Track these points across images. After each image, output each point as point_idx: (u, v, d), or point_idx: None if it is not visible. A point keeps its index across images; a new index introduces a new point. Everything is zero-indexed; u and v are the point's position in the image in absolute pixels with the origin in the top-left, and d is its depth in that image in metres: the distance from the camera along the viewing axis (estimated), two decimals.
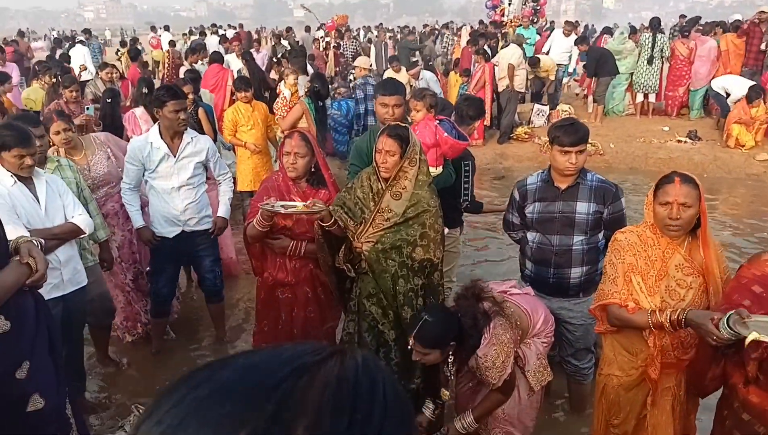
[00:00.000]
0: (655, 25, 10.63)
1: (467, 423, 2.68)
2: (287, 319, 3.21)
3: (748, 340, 1.95)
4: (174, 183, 3.73)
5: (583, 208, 2.93)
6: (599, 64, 10.15)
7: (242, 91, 6.07)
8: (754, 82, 9.28)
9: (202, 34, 17.70)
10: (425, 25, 22.24)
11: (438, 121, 3.95)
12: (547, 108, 11.03)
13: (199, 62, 10.29)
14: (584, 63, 11.25)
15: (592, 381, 3.15)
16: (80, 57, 12.33)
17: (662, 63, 10.48)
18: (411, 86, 9.50)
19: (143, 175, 3.77)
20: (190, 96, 6.10)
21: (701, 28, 12.24)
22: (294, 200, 3.06)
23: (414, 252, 2.84)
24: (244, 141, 5.97)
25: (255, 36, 18.96)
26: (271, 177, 3.25)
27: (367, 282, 2.93)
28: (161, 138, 3.68)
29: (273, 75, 10.65)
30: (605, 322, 2.52)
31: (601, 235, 3.01)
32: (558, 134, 2.87)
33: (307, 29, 17.96)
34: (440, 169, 4.01)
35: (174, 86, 3.88)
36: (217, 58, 8.97)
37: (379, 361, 0.60)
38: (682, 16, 13.13)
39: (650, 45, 10.33)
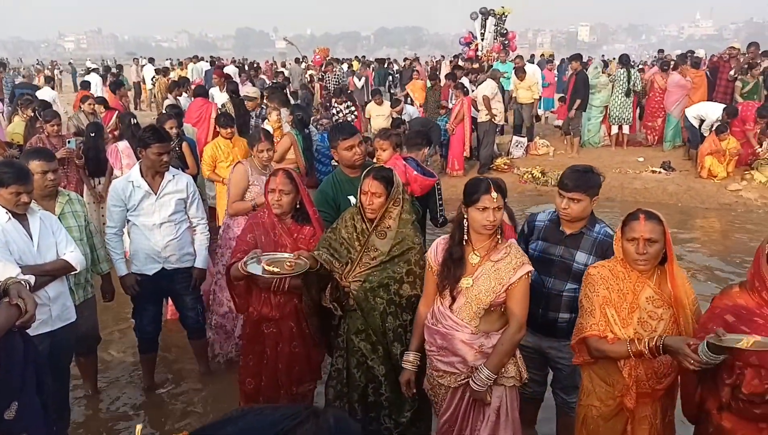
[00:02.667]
0: (624, 60, 11.10)
1: (484, 377, 2.59)
2: (272, 355, 3.23)
3: (748, 344, 2.07)
4: (155, 220, 3.79)
5: (582, 258, 2.91)
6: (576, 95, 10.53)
7: (225, 127, 6.08)
8: (725, 105, 9.68)
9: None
10: (405, 58, 22.67)
11: (404, 160, 4.07)
12: (525, 139, 11.30)
13: (183, 95, 10.40)
14: (560, 96, 11.62)
15: None
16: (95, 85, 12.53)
17: (634, 96, 10.88)
18: (393, 118, 9.70)
19: (126, 216, 3.82)
20: (174, 130, 6.17)
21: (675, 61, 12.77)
22: (280, 237, 3.12)
23: (401, 289, 2.91)
24: (222, 177, 5.87)
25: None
26: (257, 213, 3.31)
27: (356, 319, 2.97)
28: (142, 177, 3.75)
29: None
30: (584, 353, 2.60)
31: None
32: (563, 174, 2.90)
33: (298, 61, 18.17)
34: None
35: (160, 128, 3.93)
36: (201, 92, 9.07)
37: (351, 420, 0.70)
38: (660, 51, 13.63)
39: (625, 78, 10.73)
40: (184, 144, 6.21)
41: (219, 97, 10.24)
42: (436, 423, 2.93)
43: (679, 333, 2.46)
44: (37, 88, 12.44)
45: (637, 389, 2.46)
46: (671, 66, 11.77)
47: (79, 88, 12.05)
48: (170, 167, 3.89)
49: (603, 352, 2.49)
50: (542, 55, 19.47)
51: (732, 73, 10.17)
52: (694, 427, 2.58)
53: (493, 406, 2.66)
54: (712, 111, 9.77)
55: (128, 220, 3.84)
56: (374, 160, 4.28)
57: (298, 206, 3.20)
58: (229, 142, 6.04)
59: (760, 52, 11.11)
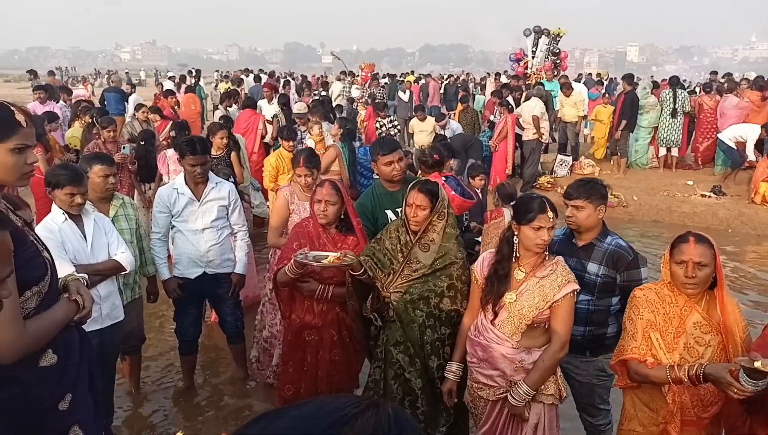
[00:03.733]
0: (674, 82, 10.89)
1: (523, 392, 2.58)
2: (312, 362, 3.27)
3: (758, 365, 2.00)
4: (198, 225, 3.91)
5: (593, 269, 2.93)
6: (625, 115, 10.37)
7: (288, 139, 6.32)
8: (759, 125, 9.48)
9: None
10: (449, 75, 22.72)
11: (444, 178, 4.07)
12: (570, 158, 11.16)
13: (234, 106, 10.69)
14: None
15: None
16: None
17: (683, 117, 10.64)
18: (436, 134, 9.74)
19: (170, 222, 3.96)
20: (224, 140, 6.34)
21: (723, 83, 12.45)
22: (325, 247, 3.18)
23: (441, 303, 2.92)
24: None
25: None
26: (302, 223, 3.38)
27: (395, 330, 2.99)
28: (186, 184, 3.90)
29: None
30: (625, 377, 2.56)
31: (614, 300, 2.97)
32: (569, 186, 3.02)
33: (339, 78, 18.38)
34: None
35: (197, 141, 3.95)
36: (249, 104, 9.32)
37: (408, 415, 0.74)
38: (713, 73, 13.31)
39: (671, 99, 10.53)
40: (233, 154, 6.38)
41: (267, 109, 10.49)
42: None
43: (726, 361, 2.39)
44: (124, 92, 13.17)
45: (681, 416, 2.40)
46: (714, 88, 11.50)
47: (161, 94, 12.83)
48: (212, 175, 4.02)
49: (643, 375, 2.45)
50: (590, 74, 19.25)
51: None
52: None
53: (530, 422, 2.64)
54: (750, 131, 9.55)
55: (173, 226, 3.97)
56: (417, 175, 4.31)
57: (342, 217, 3.26)
58: (291, 155, 6.04)
59: None
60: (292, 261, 2.97)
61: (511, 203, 4.00)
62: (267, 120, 10.02)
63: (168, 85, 15.43)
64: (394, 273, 2.96)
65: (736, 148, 9.77)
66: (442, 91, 18.21)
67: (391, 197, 3.65)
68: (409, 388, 3.00)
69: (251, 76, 19.44)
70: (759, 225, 8.74)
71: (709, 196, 9.57)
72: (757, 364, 2.00)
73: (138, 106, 8.88)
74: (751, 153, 9.58)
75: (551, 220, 2.56)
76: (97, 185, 3.57)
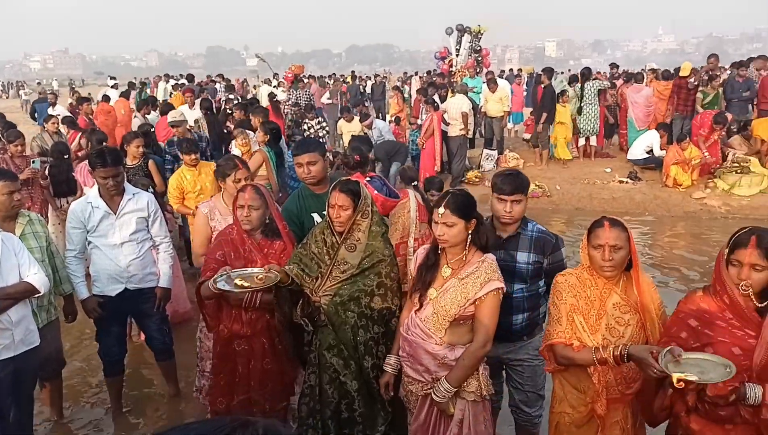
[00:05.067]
0: (584, 74, 11.39)
1: (444, 389, 2.60)
2: (244, 372, 3.18)
3: (673, 380, 2.11)
4: (116, 239, 3.73)
5: (523, 257, 2.97)
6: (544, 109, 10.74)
7: (188, 153, 5.56)
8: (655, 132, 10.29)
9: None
10: (376, 75, 22.82)
11: (368, 179, 4.06)
12: (495, 153, 11.46)
13: (152, 113, 10.31)
14: (531, 109, 11.84)
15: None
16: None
17: (599, 108, 11.14)
18: (353, 136, 9.75)
19: (86, 238, 3.74)
20: (140, 149, 6.08)
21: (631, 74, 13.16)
22: (250, 254, 3.09)
23: (372, 302, 2.90)
24: (191, 208, 5.33)
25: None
26: (225, 230, 3.28)
27: (327, 334, 2.95)
28: (100, 197, 3.70)
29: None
30: (553, 361, 2.63)
31: (542, 283, 3.05)
32: (497, 182, 2.98)
33: (267, 81, 18.10)
34: None
35: (108, 152, 3.73)
36: (168, 110, 9.00)
37: (282, 427, 0.71)
38: (612, 65, 14.02)
39: (579, 94, 11.02)
40: (151, 162, 6.14)
41: (189, 114, 10.17)
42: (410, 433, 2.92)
43: (645, 338, 2.50)
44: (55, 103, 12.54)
45: (607, 395, 2.49)
46: (634, 79, 12.15)
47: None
48: (129, 186, 3.85)
49: (569, 359, 2.52)
50: (511, 70, 19.82)
51: (692, 80, 10.49)
52: (665, 430, 2.61)
53: (455, 418, 2.67)
54: (651, 138, 10.32)
55: (89, 242, 3.77)
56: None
57: (267, 221, 3.18)
58: (195, 170, 5.60)
59: (719, 64, 11.49)
60: (210, 285, 2.85)
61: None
62: (189, 126, 9.73)
63: (112, 93, 14.50)
64: (322, 276, 2.91)
65: (649, 156, 10.33)
66: (369, 91, 18.29)
67: (317, 200, 3.58)
68: (345, 391, 2.97)
69: (171, 81, 18.86)
70: (672, 207, 9.27)
71: (626, 182, 10.07)
72: (676, 376, 2.11)
73: (47, 118, 8.41)
74: (660, 152, 10.15)
75: (442, 216, 2.58)
76: (2, 203, 3.34)
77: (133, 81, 18.44)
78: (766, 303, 2.26)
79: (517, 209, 2.93)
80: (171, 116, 7.35)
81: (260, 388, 3.18)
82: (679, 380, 2.12)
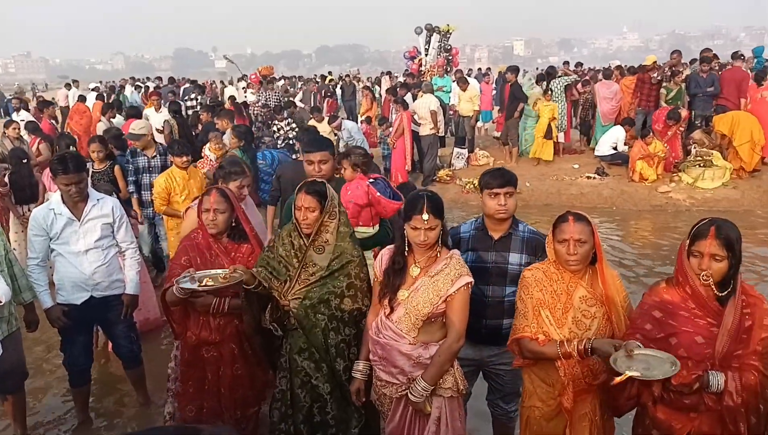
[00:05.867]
0: (550, 72, 11.58)
1: (421, 388, 2.59)
2: (213, 379, 3.13)
3: (618, 379, 2.19)
4: (81, 246, 3.64)
5: (515, 259, 2.94)
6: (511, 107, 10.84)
7: (180, 155, 5.37)
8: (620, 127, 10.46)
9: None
10: (347, 75, 22.76)
11: (372, 181, 4.03)
12: (466, 151, 11.53)
13: (117, 116, 10.11)
14: (500, 108, 11.95)
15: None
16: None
17: (566, 104, 11.29)
18: (335, 135, 9.70)
19: (49, 245, 3.64)
20: (98, 154, 5.93)
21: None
22: (217, 258, 3.04)
23: (342, 303, 2.87)
24: (179, 211, 5.16)
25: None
26: (191, 235, 3.22)
27: (298, 337, 2.92)
28: (63, 203, 3.60)
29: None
30: (521, 355, 2.65)
31: None
32: (487, 179, 2.95)
33: (231, 82, 17.92)
34: (376, 228, 4.09)
35: (70, 157, 3.61)
36: (134, 114, 8.85)
37: (229, 432, 0.69)
38: (565, 63, 14.23)
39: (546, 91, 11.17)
40: (117, 167, 6.02)
41: (155, 118, 10.00)
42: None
43: (612, 330, 2.54)
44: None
45: (574, 387, 2.52)
46: (603, 74, 12.36)
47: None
48: (93, 191, 3.76)
49: (534, 353, 2.55)
50: (479, 69, 19.98)
51: (656, 75, 10.71)
52: (633, 420, 2.65)
53: (432, 416, 2.66)
54: (616, 134, 10.45)
55: (53, 250, 3.67)
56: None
57: (233, 224, 3.14)
58: (185, 173, 5.41)
59: (681, 60, 11.73)
60: (174, 289, 2.81)
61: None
62: (157, 129, 9.57)
63: (91, 97, 14.13)
64: (290, 279, 2.88)
65: (615, 151, 10.50)
66: (339, 90, 18.23)
67: None
68: (317, 395, 2.94)
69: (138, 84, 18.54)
70: (639, 201, 9.45)
71: (594, 178, 10.22)
72: (618, 379, 2.21)
73: (7, 123, 8.19)
74: (623, 148, 10.32)
75: (426, 221, 2.56)
76: None
77: (98, 85, 18.10)
78: (726, 292, 2.31)
79: (510, 202, 2.91)
80: (132, 128, 6.71)
81: (230, 394, 3.14)
82: (619, 381, 2.21)
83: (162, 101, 10.47)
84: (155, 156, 6.06)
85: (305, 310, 2.85)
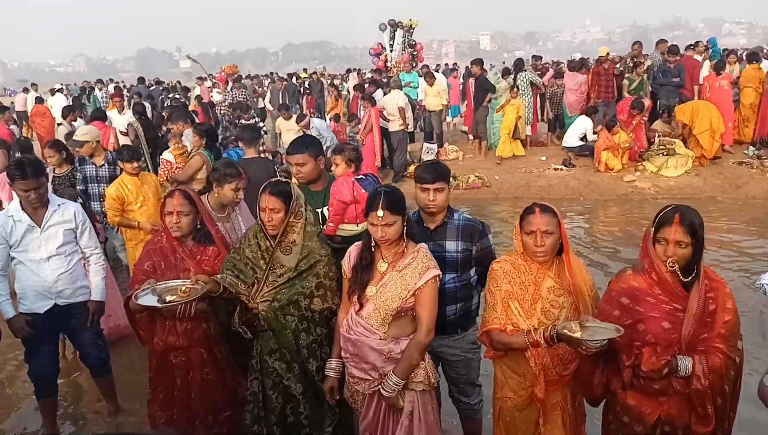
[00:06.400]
0: (517, 65, 11.66)
1: (393, 383, 2.59)
2: (183, 385, 3.07)
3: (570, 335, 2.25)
4: (42, 253, 3.53)
5: (452, 246, 2.98)
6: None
7: (130, 161, 5.15)
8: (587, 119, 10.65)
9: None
10: (313, 72, 22.63)
11: (360, 178, 3.98)
12: (435, 146, 11.56)
13: (78, 120, 9.87)
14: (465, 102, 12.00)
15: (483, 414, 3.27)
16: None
17: (533, 97, 11.40)
18: (303, 133, 9.60)
19: (9, 253, 3.52)
20: (54, 159, 5.74)
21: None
22: (182, 262, 2.98)
23: (312, 303, 2.85)
24: (136, 221, 5.08)
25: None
26: (154, 239, 3.15)
27: (268, 338, 2.88)
28: (23, 210, 3.49)
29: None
30: (491, 347, 2.66)
31: (472, 272, 3.07)
32: (419, 173, 2.99)
33: (200, 79, 17.65)
34: (363, 225, 4.04)
35: (28, 163, 3.48)
36: (98, 116, 8.64)
37: None
38: (535, 57, 14.33)
39: (512, 86, 11.28)
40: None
41: (118, 120, 9.79)
42: (358, 432, 2.89)
43: (579, 319, 2.55)
44: None
45: (545, 377, 2.54)
46: (568, 66, 12.54)
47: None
48: (54, 196, 3.65)
49: (504, 344, 2.56)
50: (446, 64, 20.06)
51: (618, 66, 10.90)
52: (603, 407, 2.68)
53: (405, 410, 2.66)
54: (583, 124, 10.63)
55: (13, 258, 3.55)
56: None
57: (198, 226, 3.08)
58: (137, 179, 5.21)
59: (643, 52, 11.95)
60: (134, 302, 2.74)
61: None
62: (121, 131, 9.37)
63: (59, 99, 13.70)
64: (258, 282, 2.84)
65: (583, 142, 10.65)
66: (308, 87, 18.11)
67: (313, 197, 3.64)
68: (290, 395, 2.91)
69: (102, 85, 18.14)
70: (605, 191, 9.61)
71: (561, 169, 10.36)
72: (576, 335, 2.25)
73: None
74: (593, 137, 10.48)
75: (381, 218, 2.56)
76: None
77: (62, 86, 17.66)
78: (690, 277, 2.35)
79: (440, 197, 2.94)
80: (75, 134, 6.27)
81: (201, 399, 3.08)
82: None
83: (125, 103, 10.27)
84: (103, 164, 5.84)
85: (274, 312, 2.82)
